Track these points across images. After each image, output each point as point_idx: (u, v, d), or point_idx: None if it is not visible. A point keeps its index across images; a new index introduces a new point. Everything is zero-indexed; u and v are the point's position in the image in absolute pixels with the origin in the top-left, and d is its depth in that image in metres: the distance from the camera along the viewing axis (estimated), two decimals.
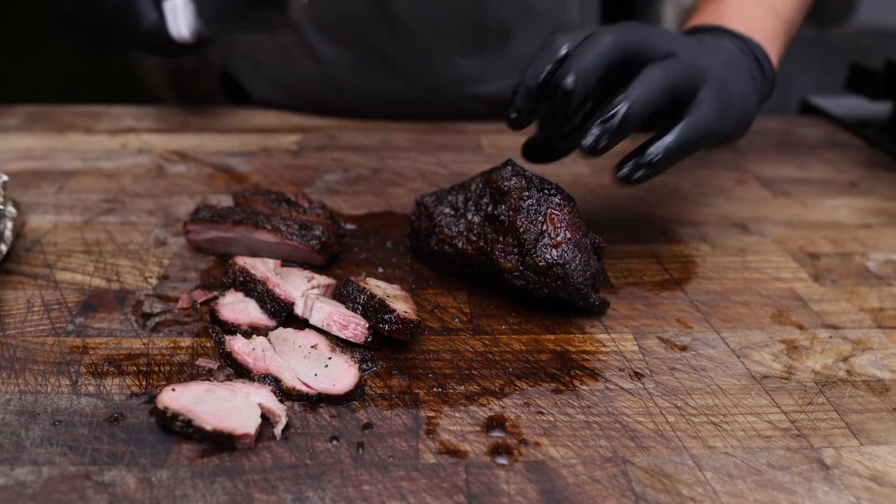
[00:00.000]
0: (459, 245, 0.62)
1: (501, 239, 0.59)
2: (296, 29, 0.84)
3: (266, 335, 0.54)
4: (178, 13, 0.83)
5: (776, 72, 0.69)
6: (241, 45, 1.10)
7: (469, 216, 0.62)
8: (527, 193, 0.58)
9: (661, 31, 0.60)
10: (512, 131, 0.61)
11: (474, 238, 0.61)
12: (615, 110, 0.53)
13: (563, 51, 0.57)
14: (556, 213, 0.58)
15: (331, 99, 1.04)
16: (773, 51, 0.68)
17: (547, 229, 0.57)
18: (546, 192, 0.59)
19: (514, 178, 0.60)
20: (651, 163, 0.56)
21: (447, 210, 0.64)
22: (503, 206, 0.59)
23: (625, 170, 0.57)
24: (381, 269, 0.66)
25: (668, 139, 0.57)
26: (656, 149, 0.57)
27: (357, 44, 0.99)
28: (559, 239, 0.57)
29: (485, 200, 0.61)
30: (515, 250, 0.58)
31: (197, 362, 0.53)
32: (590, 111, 0.62)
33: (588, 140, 0.54)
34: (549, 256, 0.57)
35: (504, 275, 0.58)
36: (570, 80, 0.54)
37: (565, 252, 0.57)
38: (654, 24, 0.62)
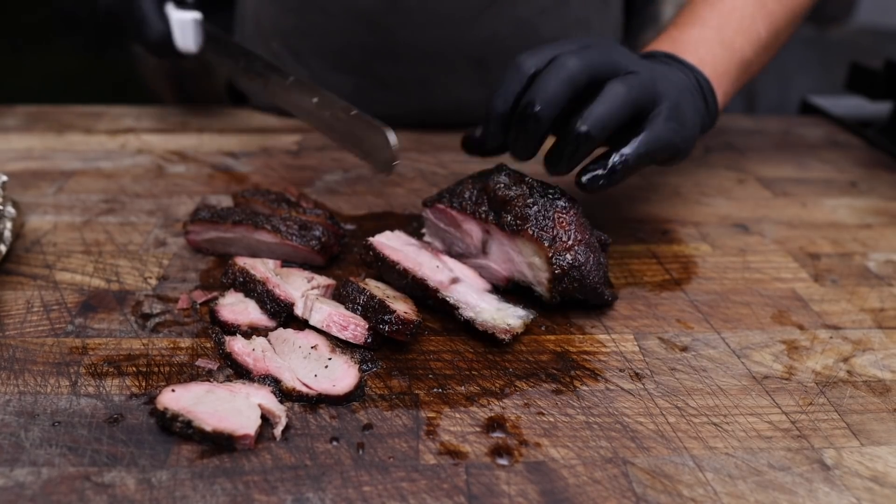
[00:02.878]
0: None
1: None
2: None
3: (266, 336, 0.54)
4: (186, 28, 0.83)
5: (719, 108, 0.70)
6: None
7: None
8: (531, 200, 0.58)
9: (623, 52, 0.62)
10: (471, 156, 0.65)
11: None
12: (577, 131, 0.57)
13: (530, 73, 0.59)
14: (564, 216, 0.58)
15: None
16: (721, 88, 0.70)
17: (558, 234, 0.57)
18: (550, 196, 0.59)
19: (514, 187, 0.59)
20: (612, 172, 0.59)
21: None
22: (509, 217, 0.58)
23: (586, 178, 0.59)
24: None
25: (628, 150, 0.59)
26: (618, 158, 0.59)
27: (358, 72, 0.98)
28: (570, 242, 0.57)
29: (483, 209, 0.60)
30: None
31: (197, 363, 0.53)
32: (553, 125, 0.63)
33: (555, 168, 0.60)
34: (564, 262, 0.56)
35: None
36: (538, 108, 0.57)
37: (578, 254, 0.57)
38: (614, 42, 0.64)
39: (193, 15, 0.83)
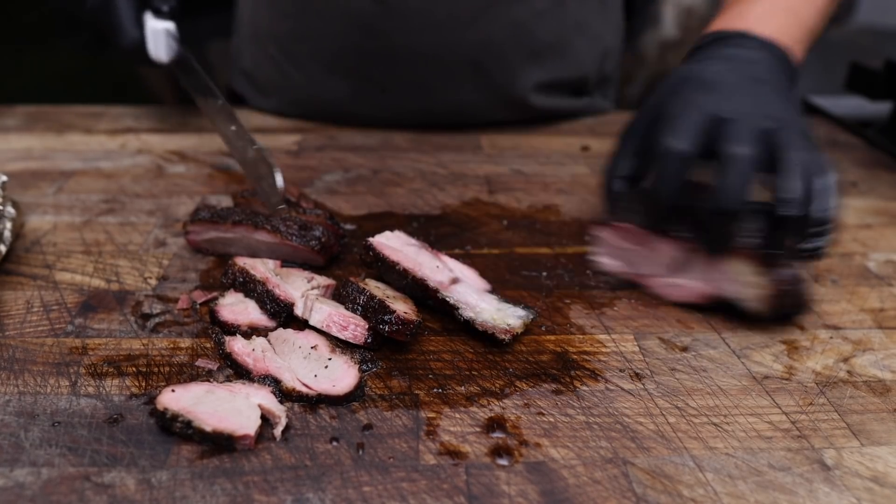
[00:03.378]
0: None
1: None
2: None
3: (266, 336, 0.54)
4: (159, 38, 0.84)
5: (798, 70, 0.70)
6: (241, 63, 1.09)
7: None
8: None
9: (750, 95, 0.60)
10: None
11: None
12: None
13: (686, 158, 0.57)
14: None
15: (326, 118, 1.04)
16: (796, 58, 0.69)
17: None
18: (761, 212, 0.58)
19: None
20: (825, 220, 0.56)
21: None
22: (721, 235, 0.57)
23: (808, 245, 0.56)
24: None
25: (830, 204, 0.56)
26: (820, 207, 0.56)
27: (355, 76, 0.98)
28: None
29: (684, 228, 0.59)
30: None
31: (196, 363, 0.52)
32: None
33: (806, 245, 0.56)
34: (784, 277, 0.56)
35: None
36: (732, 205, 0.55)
37: (795, 269, 0.57)
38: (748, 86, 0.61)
39: (166, 25, 0.84)
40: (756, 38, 0.66)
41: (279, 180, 0.67)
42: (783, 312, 0.59)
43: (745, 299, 0.59)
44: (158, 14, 0.84)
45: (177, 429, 0.45)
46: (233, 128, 0.75)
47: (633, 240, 0.62)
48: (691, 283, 0.60)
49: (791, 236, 0.56)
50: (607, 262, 0.65)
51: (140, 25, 0.84)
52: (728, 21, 0.69)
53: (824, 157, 0.58)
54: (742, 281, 0.58)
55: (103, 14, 0.84)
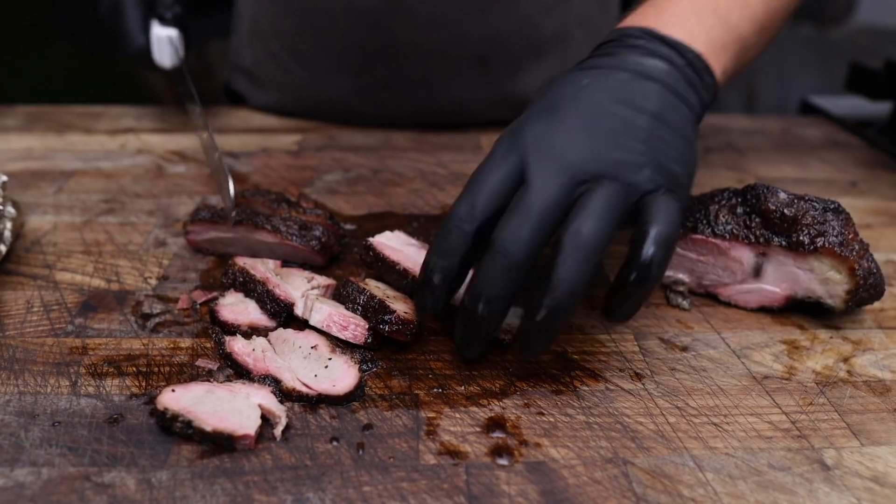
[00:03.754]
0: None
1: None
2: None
3: (266, 336, 0.54)
4: (163, 45, 0.86)
5: (719, 86, 0.59)
6: (241, 61, 1.10)
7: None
8: (820, 216, 0.57)
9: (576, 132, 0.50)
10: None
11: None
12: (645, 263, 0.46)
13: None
14: (851, 226, 0.58)
15: (327, 116, 1.04)
16: (719, 63, 0.58)
17: (853, 245, 0.57)
18: (833, 208, 0.58)
19: (796, 204, 0.58)
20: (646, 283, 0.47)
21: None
22: (800, 236, 0.57)
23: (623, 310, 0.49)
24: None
25: (655, 254, 0.46)
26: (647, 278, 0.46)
27: (359, 72, 0.98)
28: (862, 251, 0.58)
29: (759, 232, 0.59)
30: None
31: (197, 363, 0.53)
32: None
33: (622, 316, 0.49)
34: (863, 271, 0.57)
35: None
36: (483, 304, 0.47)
37: (871, 262, 0.58)
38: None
39: (169, 32, 0.86)
40: (664, 40, 0.56)
41: (231, 189, 0.69)
42: (860, 304, 0.60)
43: (824, 297, 0.59)
44: (163, 21, 0.87)
45: (177, 429, 0.45)
46: (205, 135, 0.79)
47: (706, 251, 0.61)
48: (768, 288, 0.60)
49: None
50: (677, 275, 0.64)
51: (146, 32, 0.86)
52: (641, 17, 0.59)
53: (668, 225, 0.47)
54: (821, 279, 0.58)
55: (112, 20, 0.87)
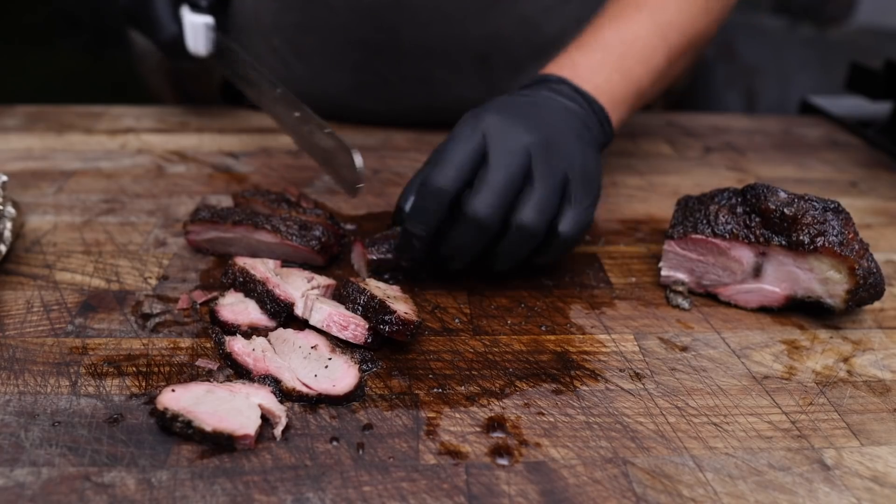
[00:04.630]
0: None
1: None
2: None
3: (266, 336, 0.54)
4: (198, 32, 0.84)
5: (615, 129, 0.71)
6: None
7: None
8: (820, 215, 0.57)
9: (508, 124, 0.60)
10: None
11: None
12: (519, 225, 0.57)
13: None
14: (851, 226, 0.58)
15: (329, 115, 1.04)
16: (616, 114, 0.70)
17: (852, 244, 0.57)
18: (833, 208, 0.58)
19: (795, 203, 0.58)
20: (559, 252, 0.60)
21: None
22: (800, 235, 0.57)
23: (540, 259, 0.61)
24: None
25: (567, 230, 0.59)
26: (562, 241, 0.59)
27: (360, 69, 0.98)
28: (862, 250, 0.57)
29: (759, 232, 0.59)
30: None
31: (197, 363, 0.53)
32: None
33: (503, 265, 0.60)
34: (863, 271, 0.57)
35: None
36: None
37: (871, 261, 0.58)
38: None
39: (205, 19, 0.84)
40: (576, 89, 0.68)
41: (358, 161, 0.60)
42: (860, 304, 0.60)
43: (824, 297, 0.59)
44: (196, 8, 0.85)
45: (177, 429, 0.45)
46: (296, 114, 0.72)
47: (707, 251, 0.61)
48: (768, 288, 0.60)
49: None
50: (677, 275, 0.64)
51: (178, 20, 0.84)
52: (559, 67, 0.71)
53: (579, 207, 0.59)
54: (821, 278, 0.58)
55: (140, 8, 0.85)
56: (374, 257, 0.62)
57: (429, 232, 0.58)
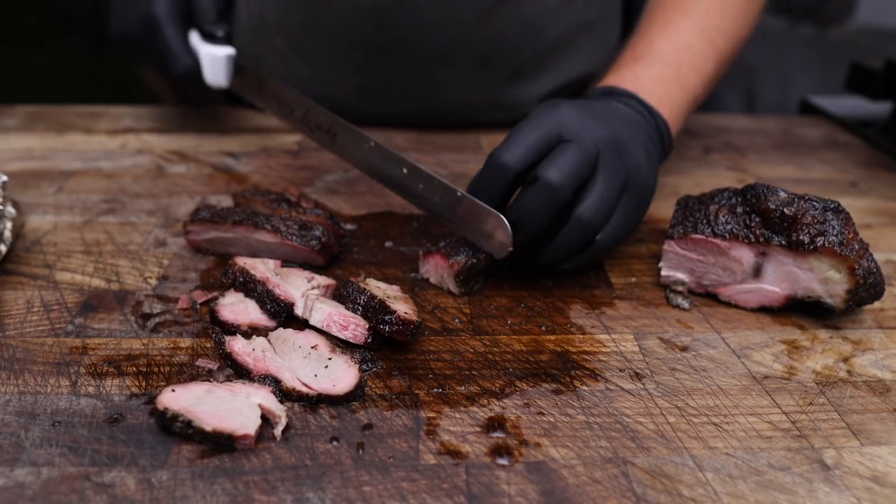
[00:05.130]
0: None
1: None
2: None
3: (266, 336, 0.54)
4: (218, 64, 0.80)
5: (673, 142, 0.74)
6: (244, 59, 1.09)
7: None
8: (820, 215, 0.57)
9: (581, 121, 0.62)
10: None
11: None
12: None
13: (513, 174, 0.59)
14: (851, 226, 0.58)
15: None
16: (675, 126, 0.73)
17: (853, 244, 0.57)
18: (833, 208, 0.58)
19: (796, 203, 0.58)
20: (595, 255, 0.62)
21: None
22: (800, 235, 0.57)
23: (569, 266, 0.63)
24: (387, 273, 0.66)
25: (606, 237, 0.61)
26: (599, 245, 0.61)
27: (362, 70, 0.98)
28: (862, 250, 0.57)
29: (760, 232, 0.59)
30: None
31: (197, 363, 0.53)
32: None
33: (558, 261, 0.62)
34: (863, 271, 0.57)
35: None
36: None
37: (871, 261, 0.58)
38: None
39: (226, 51, 0.80)
40: (642, 102, 0.70)
41: (508, 228, 0.57)
42: (860, 304, 0.60)
43: (824, 297, 0.59)
44: (211, 38, 0.81)
45: (177, 428, 0.45)
46: (404, 171, 0.65)
47: (707, 251, 0.61)
48: (768, 288, 0.60)
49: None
50: (677, 275, 0.64)
51: (192, 50, 0.80)
52: (621, 80, 0.72)
53: (628, 219, 0.61)
54: (821, 278, 0.58)
55: (149, 42, 0.81)
56: (462, 263, 0.60)
57: (492, 203, 0.59)
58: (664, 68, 0.73)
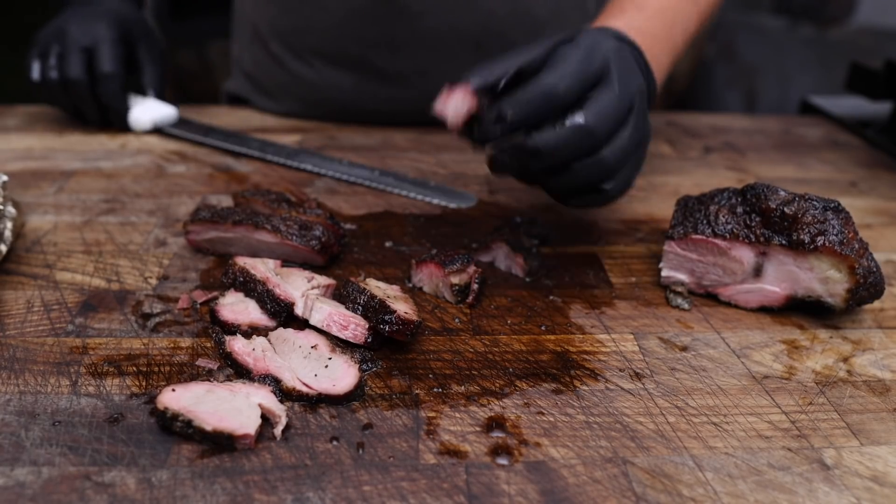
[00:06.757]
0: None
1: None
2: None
3: (266, 335, 0.54)
4: (144, 111, 0.96)
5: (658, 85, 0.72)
6: (242, 65, 1.10)
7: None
8: (820, 214, 0.57)
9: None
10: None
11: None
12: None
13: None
14: (851, 225, 0.58)
15: (330, 115, 1.04)
16: (659, 81, 0.71)
17: (853, 244, 0.57)
18: (833, 207, 0.58)
19: (796, 202, 0.58)
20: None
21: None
22: (800, 234, 0.57)
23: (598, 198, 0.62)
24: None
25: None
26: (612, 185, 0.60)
27: (357, 67, 0.99)
28: (862, 249, 0.57)
29: (760, 232, 0.59)
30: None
31: (197, 363, 0.53)
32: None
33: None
34: (863, 270, 0.57)
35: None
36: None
37: (871, 260, 0.58)
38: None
39: (160, 106, 0.97)
40: (636, 46, 0.67)
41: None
42: (861, 303, 0.60)
43: (824, 296, 0.59)
44: (146, 94, 0.98)
45: (177, 428, 0.45)
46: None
47: (707, 252, 0.61)
48: (768, 288, 0.60)
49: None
50: (678, 276, 0.64)
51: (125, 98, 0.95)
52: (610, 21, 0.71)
53: (634, 136, 0.59)
54: (821, 278, 0.58)
55: (111, 100, 0.94)
56: (459, 272, 0.60)
57: (520, 125, 0.56)
58: (649, 22, 0.72)
